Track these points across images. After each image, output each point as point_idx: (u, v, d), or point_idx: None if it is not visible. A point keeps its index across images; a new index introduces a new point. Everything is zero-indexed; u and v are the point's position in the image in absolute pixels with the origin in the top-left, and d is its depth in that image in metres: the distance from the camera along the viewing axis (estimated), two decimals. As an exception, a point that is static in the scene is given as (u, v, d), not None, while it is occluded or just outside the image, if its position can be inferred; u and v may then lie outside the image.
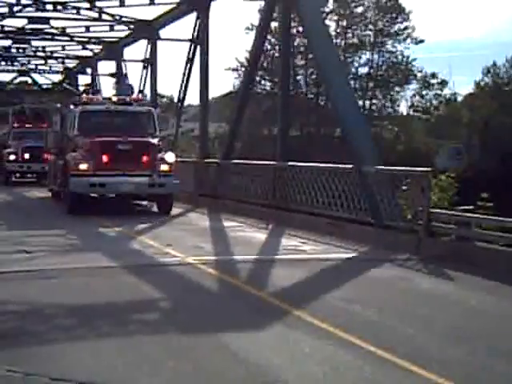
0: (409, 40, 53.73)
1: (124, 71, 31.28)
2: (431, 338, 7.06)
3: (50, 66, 40.52)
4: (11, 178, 30.53)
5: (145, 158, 17.71)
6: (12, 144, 30.92)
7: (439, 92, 55.75)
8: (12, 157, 30.02)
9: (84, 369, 6.01)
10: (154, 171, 17.54)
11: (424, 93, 55.35)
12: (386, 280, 10.12)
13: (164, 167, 17.91)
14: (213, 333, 7.05)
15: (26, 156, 29.55)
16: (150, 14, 28.76)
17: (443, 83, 55.23)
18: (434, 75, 54.86)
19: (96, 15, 26.24)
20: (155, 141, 18.50)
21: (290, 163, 17.38)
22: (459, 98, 59.18)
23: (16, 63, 39.89)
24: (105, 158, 17.50)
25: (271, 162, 18.35)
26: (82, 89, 35.78)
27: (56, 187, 20.77)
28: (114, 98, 19.96)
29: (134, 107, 19.75)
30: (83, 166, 17.40)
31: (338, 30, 52.55)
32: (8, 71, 42.28)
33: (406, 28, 53.62)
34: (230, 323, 7.46)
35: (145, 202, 19.95)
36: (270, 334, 7.07)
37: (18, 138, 30.79)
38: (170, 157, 18.29)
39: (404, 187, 13.53)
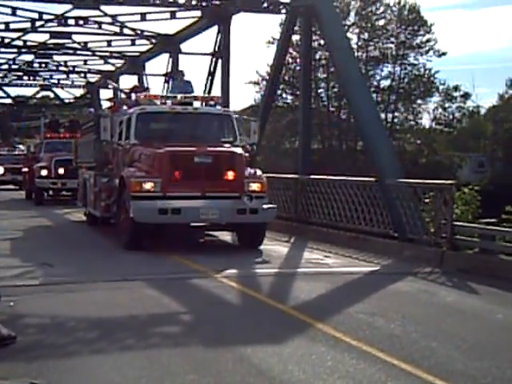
0: (431, 52, 53.72)
1: (144, 83, 30.92)
2: (456, 351, 6.97)
3: (73, 81, 40.87)
4: (43, 197, 26.67)
5: (231, 175, 13.43)
6: (43, 157, 27.28)
7: (462, 105, 55.65)
8: (43, 172, 26.08)
9: (106, 382, 6.02)
10: (243, 192, 13.42)
11: (447, 105, 55.25)
12: (410, 293, 10.04)
13: (255, 186, 13.63)
14: (235, 346, 7.02)
15: (60, 171, 25.75)
16: (171, 27, 28.92)
17: (466, 96, 55.11)
18: (456, 88, 54.79)
19: (117, 30, 26.40)
20: (241, 151, 14.17)
21: (312, 176, 17.36)
22: (482, 111, 59.08)
23: (38, 78, 40.25)
24: (177, 175, 13.26)
25: (293, 176, 18.32)
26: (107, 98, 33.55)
27: (99, 212, 16.21)
28: (179, 97, 15.41)
29: (207, 108, 15.53)
30: (148, 186, 13.15)
31: (360, 43, 52.63)
32: (31, 86, 42.70)
33: (428, 40, 53.59)
34: (252, 336, 7.43)
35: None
36: (292, 347, 7.02)
37: (50, 150, 27.32)
38: (259, 172, 14.17)
39: (427, 200, 13.47)
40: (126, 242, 13.59)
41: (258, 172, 14.10)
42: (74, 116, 40.85)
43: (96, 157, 17.12)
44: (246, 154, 14.43)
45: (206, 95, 16.37)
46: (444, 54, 53.95)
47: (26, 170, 30.02)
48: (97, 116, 17.47)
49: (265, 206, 13.64)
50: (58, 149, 27.03)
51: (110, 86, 32.22)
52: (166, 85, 27.62)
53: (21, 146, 41.62)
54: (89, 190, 17.91)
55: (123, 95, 18.13)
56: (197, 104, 15.62)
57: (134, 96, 16.65)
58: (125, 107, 16.01)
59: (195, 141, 13.97)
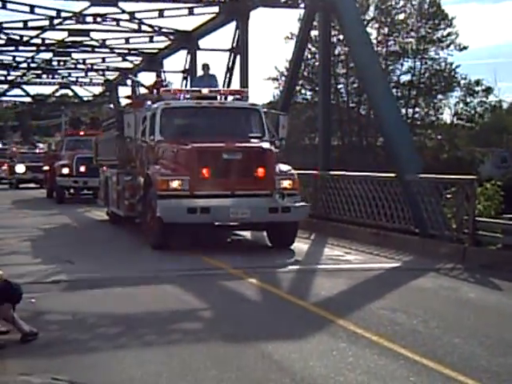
0: (452, 46, 53.21)
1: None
2: (479, 347, 6.91)
3: (91, 79, 41.02)
4: (64, 195, 26.54)
5: (261, 172, 12.85)
6: (65, 155, 27.10)
7: (484, 99, 55.11)
8: (65, 170, 25.89)
9: (128, 377, 6.02)
10: (274, 190, 12.85)
11: (468, 100, 54.74)
12: (432, 289, 9.96)
13: (287, 183, 13.11)
14: (256, 342, 7.00)
15: (81, 169, 25.33)
16: (189, 24, 28.88)
17: (488, 90, 54.57)
18: (478, 82, 54.24)
19: (135, 27, 26.50)
20: (271, 147, 13.63)
21: (332, 172, 17.28)
22: (505, 105, 58.46)
23: (57, 76, 40.45)
24: (206, 172, 12.71)
25: (313, 172, 18.23)
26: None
27: (123, 211, 15.81)
28: (204, 90, 14.89)
29: (234, 102, 15.05)
30: (175, 184, 12.65)
31: (380, 38, 52.27)
32: (49, 84, 42.93)
33: (449, 34, 53.08)
34: (273, 333, 7.41)
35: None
36: (313, 343, 6.99)
37: (72, 148, 27.15)
38: (290, 168, 13.68)
39: (448, 196, 13.36)
40: (153, 242, 13.17)
41: (289, 168, 13.59)
42: (93, 113, 41.01)
43: (118, 154, 16.63)
44: (276, 150, 13.86)
45: (233, 89, 15.96)
46: (465, 47, 53.45)
47: (46, 168, 29.88)
48: (119, 112, 16.98)
49: (297, 204, 13.15)
50: (80, 146, 26.80)
51: (128, 82, 32.06)
52: (184, 81, 27.69)
53: (40, 145, 41.88)
54: (111, 189, 17.49)
55: (146, 90, 17.74)
56: (229, 98, 15.24)
57: (156, 91, 16.19)
58: (148, 102, 15.44)
59: (222, 136, 13.41)
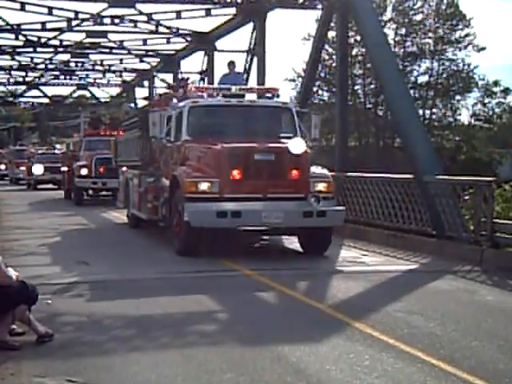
0: (470, 47, 52.91)
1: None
2: (497, 351, 6.84)
3: (108, 80, 41.21)
4: (82, 196, 26.18)
5: (294, 173, 12.25)
6: (83, 156, 26.61)
7: (502, 100, 54.81)
8: (83, 171, 25.46)
9: (143, 379, 6.01)
10: (309, 193, 12.32)
11: (486, 101, 54.43)
12: (449, 292, 9.88)
13: (322, 186, 12.50)
14: (271, 344, 6.96)
15: (101, 170, 24.98)
16: (206, 25, 28.91)
17: (506, 91, 54.26)
18: (496, 83, 53.94)
19: (153, 28, 26.59)
20: (306, 148, 12.80)
21: (349, 174, 17.21)
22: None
23: (75, 77, 40.67)
24: (236, 174, 12.08)
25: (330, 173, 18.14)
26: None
27: (145, 214, 15.17)
28: (233, 89, 14.28)
29: (264, 100, 14.36)
30: (204, 186, 12.03)
31: (397, 39, 52.03)
32: (67, 85, 43.18)
33: (467, 35, 52.76)
34: (288, 335, 7.37)
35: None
36: (329, 346, 6.95)
37: (91, 148, 26.59)
38: (325, 171, 13.13)
39: (466, 197, 13.27)
40: (179, 247, 12.54)
41: (324, 170, 13.06)
42: (110, 114, 41.13)
43: (141, 155, 15.95)
44: (310, 151, 13.12)
45: (263, 87, 15.21)
46: (483, 48, 53.11)
47: (65, 168, 29.59)
48: (144, 111, 16.28)
49: (333, 208, 12.61)
50: (99, 147, 26.33)
51: (145, 84, 31.85)
52: (201, 82, 27.70)
53: (58, 145, 42.09)
54: (132, 191, 16.95)
55: (166, 90, 17.43)
56: (251, 96, 14.77)
57: (182, 89, 15.43)
58: (174, 100, 14.70)
59: (252, 136, 12.84)
